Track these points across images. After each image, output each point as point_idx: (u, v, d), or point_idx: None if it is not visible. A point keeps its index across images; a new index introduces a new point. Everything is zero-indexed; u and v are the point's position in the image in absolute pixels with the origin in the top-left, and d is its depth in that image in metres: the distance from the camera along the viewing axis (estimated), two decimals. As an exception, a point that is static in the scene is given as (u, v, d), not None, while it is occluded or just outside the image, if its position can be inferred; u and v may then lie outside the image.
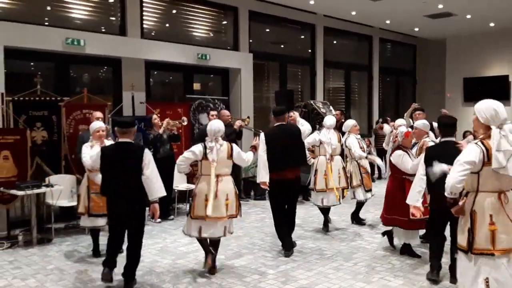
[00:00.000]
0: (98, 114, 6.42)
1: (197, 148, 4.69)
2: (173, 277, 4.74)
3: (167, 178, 6.93)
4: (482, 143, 3.14)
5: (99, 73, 9.02)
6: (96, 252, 5.49)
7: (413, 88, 15.23)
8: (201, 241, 4.79)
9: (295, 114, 6.52)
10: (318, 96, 11.62)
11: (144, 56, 8.49)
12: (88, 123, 6.56)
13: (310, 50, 11.92)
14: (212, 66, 9.57)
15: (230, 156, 4.77)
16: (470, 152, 3.13)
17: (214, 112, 8.15)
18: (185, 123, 7.64)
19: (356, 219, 6.93)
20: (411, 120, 9.94)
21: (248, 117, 8.64)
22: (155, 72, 9.37)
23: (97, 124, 5.53)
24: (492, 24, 12.22)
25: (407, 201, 4.53)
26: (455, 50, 13.90)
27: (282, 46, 11.71)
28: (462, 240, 3.22)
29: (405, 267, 4.92)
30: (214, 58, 9.42)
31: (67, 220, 6.90)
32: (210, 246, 4.78)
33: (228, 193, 4.70)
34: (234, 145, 4.92)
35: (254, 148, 5.25)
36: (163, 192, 4.39)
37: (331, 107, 9.93)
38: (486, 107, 3.20)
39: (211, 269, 4.74)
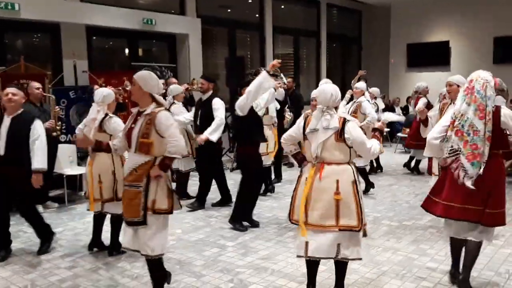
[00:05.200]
0: (36, 84, 6.04)
1: None
2: (129, 255, 4.53)
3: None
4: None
5: (36, 40, 8.37)
6: None
7: (358, 55, 15.42)
8: None
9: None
10: (267, 62, 11.42)
11: (84, 21, 7.94)
12: (27, 94, 6.13)
13: (258, 15, 11.68)
14: (158, 31, 9.14)
15: None
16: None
17: (161, 81, 7.79)
18: (129, 88, 7.23)
19: None
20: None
21: (194, 79, 8.25)
22: (95, 37, 8.77)
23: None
24: (435, -9, 12.47)
25: None
26: (399, 16, 14.12)
27: (229, 10, 11.38)
28: None
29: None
30: (160, 23, 8.98)
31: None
32: None
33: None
34: None
35: None
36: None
37: (282, 74, 9.81)
38: (150, 77, 3.39)
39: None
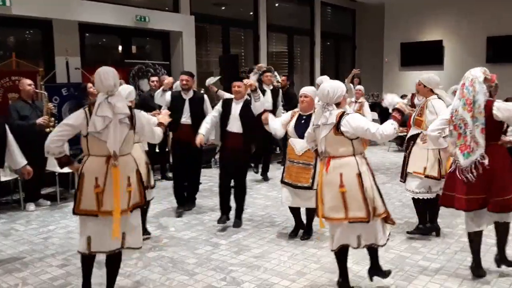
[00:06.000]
0: (28, 81, 6.06)
1: None
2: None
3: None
4: (89, 108, 3.27)
5: (28, 37, 8.31)
6: None
7: (352, 53, 15.44)
8: None
9: None
10: (261, 60, 11.45)
11: (77, 18, 7.88)
12: (18, 91, 6.11)
13: (252, 13, 11.66)
14: (151, 29, 9.10)
15: None
16: (74, 116, 3.28)
17: (155, 78, 7.81)
18: None
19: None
20: (351, 86, 10.15)
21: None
22: (88, 34, 8.70)
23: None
24: (428, -10, 12.50)
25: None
26: (393, 15, 14.15)
27: (223, 8, 11.35)
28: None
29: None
30: (153, 20, 8.95)
31: (0, 196, 6.46)
32: None
33: None
34: None
35: None
36: None
37: (275, 73, 9.81)
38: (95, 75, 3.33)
39: None
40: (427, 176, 4.60)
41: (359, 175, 3.35)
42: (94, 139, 3.23)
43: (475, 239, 3.80)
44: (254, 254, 4.47)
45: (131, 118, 3.33)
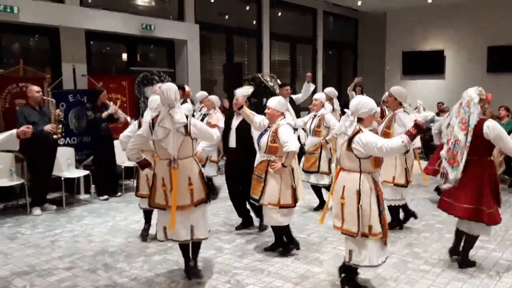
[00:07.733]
0: (36, 87, 6.15)
1: None
2: (127, 256, 4.62)
3: (108, 154, 6.81)
4: (152, 120, 3.84)
5: (35, 44, 8.42)
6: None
7: (354, 62, 15.56)
8: None
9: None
10: (264, 69, 11.58)
11: (84, 26, 7.99)
12: (26, 97, 6.21)
13: (255, 22, 11.80)
14: (157, 37, 9.22)
15: None
16: (143, 127, 3.96)
17: (158, 85, 7.91)
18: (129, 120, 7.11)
19: None
20: (354, 94, 10.22)
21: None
22: (94, 42, 8.82)
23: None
24: (430, 0, 12.62)
25: None
26: (394, 24, 14.28)
27: (227, 17, 11.49)
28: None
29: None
30: (159, 28, 9.06)
31: (6, 200, 6.55)
32: None
33: None
34: None
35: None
36: None
37: (278, 81, 9.91)
38: None
39: None
40: (396, 184, 4.98)
41: (359, 192, 3.48)
42: (159, 146, 3.79)
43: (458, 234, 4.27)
44: (258, 258, 4.53)
45: (186, 126, 3.77)
